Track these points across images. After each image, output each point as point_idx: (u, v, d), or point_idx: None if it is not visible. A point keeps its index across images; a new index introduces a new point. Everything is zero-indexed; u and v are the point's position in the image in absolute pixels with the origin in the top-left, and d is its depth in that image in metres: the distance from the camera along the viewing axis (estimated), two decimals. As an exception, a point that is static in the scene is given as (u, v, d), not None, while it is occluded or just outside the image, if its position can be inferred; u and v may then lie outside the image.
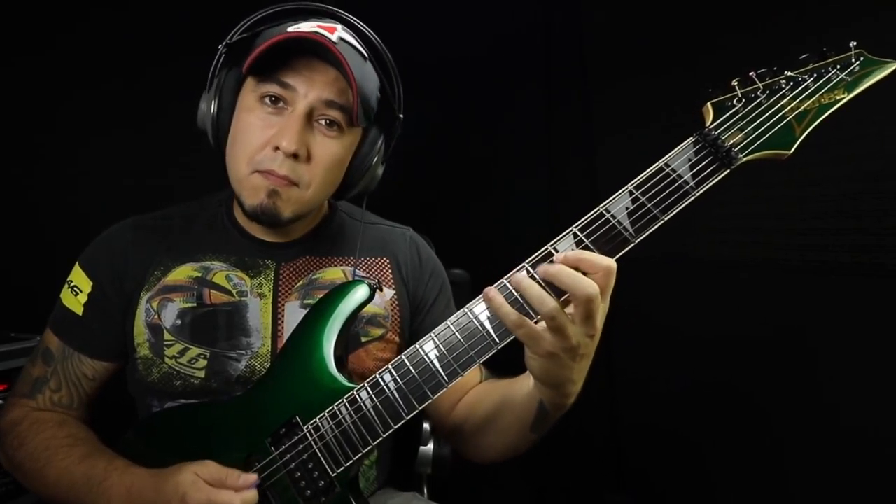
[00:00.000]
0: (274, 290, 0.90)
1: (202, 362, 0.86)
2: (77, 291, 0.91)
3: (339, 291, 0.83)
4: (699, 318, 1.70)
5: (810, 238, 1.45)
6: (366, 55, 0.87)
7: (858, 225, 1.34)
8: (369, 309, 0.91)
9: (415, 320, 0.98)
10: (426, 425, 1.19)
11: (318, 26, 0.83)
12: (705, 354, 1.67)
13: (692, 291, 1.72)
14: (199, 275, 0.90)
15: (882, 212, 1.30)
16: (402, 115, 0.94)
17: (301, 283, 0.92)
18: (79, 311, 0.90)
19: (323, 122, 0.84)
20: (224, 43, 0.87)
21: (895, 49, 0.70)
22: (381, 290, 0.92)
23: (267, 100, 0.83)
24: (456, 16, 1.97)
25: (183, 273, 0.90)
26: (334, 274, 0.94)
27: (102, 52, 1.63)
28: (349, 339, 0.88)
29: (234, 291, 0.89)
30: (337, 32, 0.83)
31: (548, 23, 2.12)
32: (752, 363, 1.56)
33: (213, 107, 0.86)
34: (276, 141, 0.81)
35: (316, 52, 0.81)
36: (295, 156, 0.81)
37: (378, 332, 0.92)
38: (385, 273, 0.97)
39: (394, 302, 0.96)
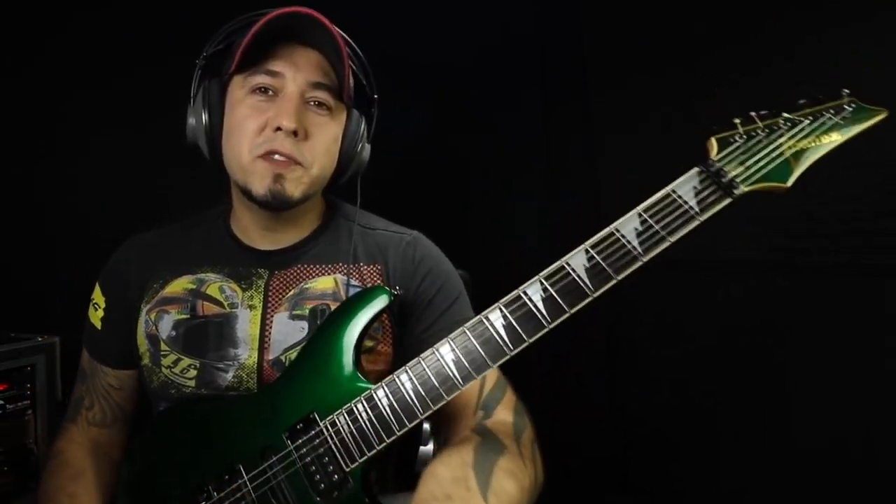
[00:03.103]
0: (264, 302, 0.91)
1: (192, 372, 0.89)
2: (97, 307, 0.98)
3: (362, 296, 0.86)
4: (703, 320, 1.71)
5: (810, 240, 1.47)
6: None
7: (858, 226, 1.38)
8: None
9: (408, 323, 0.95)
10: (426, 426, 1.23)
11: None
12: (709, 357, 1.68)
13: (697, 293, 1.73)
14: (194, 287, 0.93)
15: (882, 213, 1.34)
16: (376, 96, 0.98)
17: (291, 293, 0.92)
18: (98, 325, 0.98)
19: (313, 103, 0.88)
20: (202, 56, 0.91)
21: (895, 49, 0.72)
22: (367, 270, 0.95)
23: (257, 91, 0.86)
24: (454, 16, 1.98)
25: (179, 285, 0.94)
26: (325, 283, 0.93)
27: (102, 52, 1.63)
28: None
29: (225, 303, 0.92)
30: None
31: (545, 23, 2.13)
32: (757, 365, 1.57)
33: (204, 115, 0.89)
34: (276, 121, 0.84)
35: (301, 31, 0.85)
36: (295, 134, 0.85)
37: (369, 343, 0.91)
38: (376, 281, 0.95)
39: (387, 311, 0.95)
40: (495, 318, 0.74)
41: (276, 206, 0.88)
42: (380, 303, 0.84)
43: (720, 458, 1.66)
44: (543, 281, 0.74)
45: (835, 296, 1.44)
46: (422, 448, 1.21)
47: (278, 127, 0.84)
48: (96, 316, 0.98)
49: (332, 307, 0.89)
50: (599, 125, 2.04)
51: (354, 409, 0.76)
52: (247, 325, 0.90)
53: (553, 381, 2.02)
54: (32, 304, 1.07)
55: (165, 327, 0.91)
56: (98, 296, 0.98)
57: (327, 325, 0.85)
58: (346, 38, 0.92)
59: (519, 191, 2.12)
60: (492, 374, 0.92)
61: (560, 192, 2.11)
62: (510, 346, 0.73)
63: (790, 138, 0.75)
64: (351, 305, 0.85)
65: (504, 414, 0.88)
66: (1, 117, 1.56)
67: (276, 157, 0.85)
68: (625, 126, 1.94)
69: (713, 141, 0.77)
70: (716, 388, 1.66)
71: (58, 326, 1.31)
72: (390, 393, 0.76)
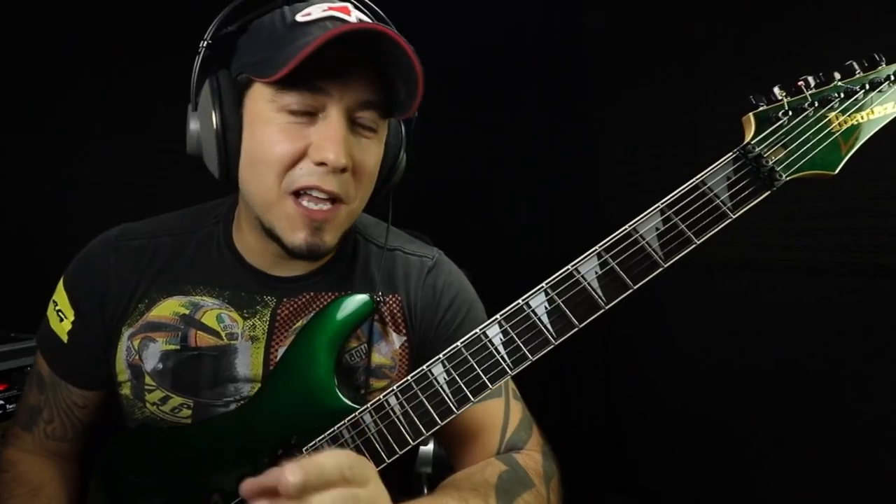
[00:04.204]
0: (268, 333, 0.80)
1: (186, 412, 0.79)
2: (62, 317, 0.83)
3: (337, 304, 0.77)
4: (703, 320, 1.68)
5: (814, 240, 1.41)
6: None
7: (876, 225, 1.31)
8: (375, 359, 0.82)
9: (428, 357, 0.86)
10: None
11: (331, 8, 0.69)
12: (710, 356, 1.65)
13: (699, 291, 1.68)
14: (187, 312, 0.80)
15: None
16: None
17: (299, 324, 0.81)
18: (64, 338, 0.83)
19: (360, 124, 0.72)
20: (205, 39, 0.73)
21: (895, 49, 0.64)
22: (385, 301, 0.84)
23: (294, 107, 0.69)
24: (455, 16, 1.96)
25: (169, 308, 0.80)
26: None
27: (100, 52, 1.62)
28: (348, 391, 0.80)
29: (223, 334, 0.80)
30: (353, 13, 0.70)
31: (549, 25, 2.11)
32: (758, 365, 1.53)
33: (215, 121, 0.70)
34: (320, 155, 0.68)
35: (368, 44, 0.67)
36: (343, 170, 0.70)
37: (381, 383, 0.82)
38: (396, 315, 0.84)
39: (403, 350, 0.85)
40: (494, 333, 0.66)
41: (309, 258, 0.75)
42: (360, 312, 0.76)
43: (720, 459, 1.64)
44: (549, 291, 0.64)
45: (839, 296, 1.39)
46: (422, 448, 1.15)
47: (322, 161, 0.68)
48: (61, 326, 0.83)
49: None
50: (600, 125, 2.03)
51: (340, 435, 0.69)
52: (248, 359, 0.79)
53: (552, 380, 2.02)
54: (32, 304, 1.05)
55: (151, 358, 0.79)
56: (65, 305, 0.82)
57: (303, 336, 0.77)
58: (386, 20, 0.79)
59: (519, 191, 2.11)
60: (516, 412, 0.83)
61: (560, 192, 2.11)
62: (511, 365, 0.65)
63: (842, 112, 0.63)
64: (327, 315, 0.76)
65: (534, 454, 0.81)
66: (1, 118, 1.56)
67: (315, 192, 0.70)
68: (626, 126, 1.92)
69: (750, 118, 0.64)
70: (717, 388, 1.64)
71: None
72: (379, 418, 0.68)
